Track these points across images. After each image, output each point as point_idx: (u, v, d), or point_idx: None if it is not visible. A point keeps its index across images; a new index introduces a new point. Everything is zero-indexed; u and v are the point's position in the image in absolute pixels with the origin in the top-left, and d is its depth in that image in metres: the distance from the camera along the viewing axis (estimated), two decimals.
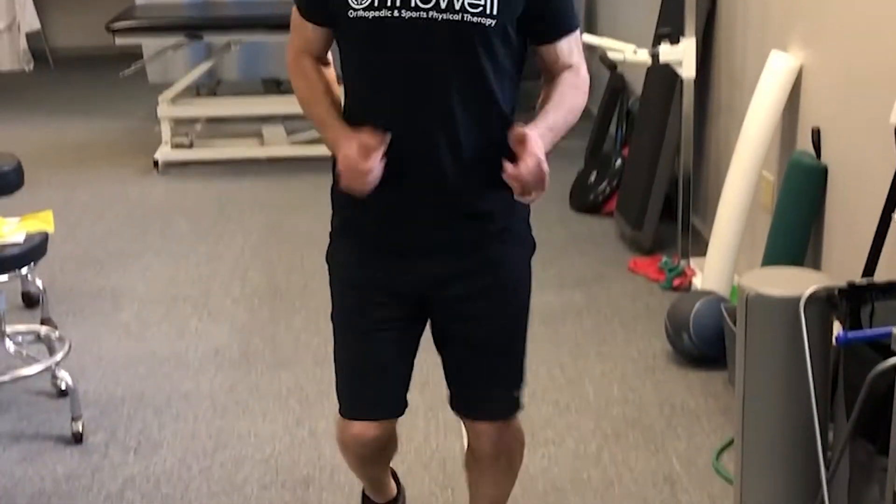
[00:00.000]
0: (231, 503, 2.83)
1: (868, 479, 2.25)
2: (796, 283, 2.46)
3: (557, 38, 2.07)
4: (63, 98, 7.61)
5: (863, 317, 2.32)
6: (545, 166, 1.90)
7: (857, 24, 2.97)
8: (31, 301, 4.06)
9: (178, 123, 6.06)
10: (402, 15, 1.94)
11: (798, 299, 2.38)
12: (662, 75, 4.27)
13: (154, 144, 5.97)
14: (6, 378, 3.26)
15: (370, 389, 2.20)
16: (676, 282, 4.05)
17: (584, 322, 3.79)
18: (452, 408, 2.28)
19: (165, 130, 5.83)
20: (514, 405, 2.26)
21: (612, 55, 3.90)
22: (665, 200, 4.40)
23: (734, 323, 2.85)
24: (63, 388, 3.35)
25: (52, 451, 3.10)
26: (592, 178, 5.02)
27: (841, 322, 2.37)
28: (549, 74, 2.11)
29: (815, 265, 3.26)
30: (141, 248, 4.66)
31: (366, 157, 1.93)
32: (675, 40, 3.89)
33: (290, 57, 2.15)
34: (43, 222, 3.42)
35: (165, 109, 5.81)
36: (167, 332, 3.83)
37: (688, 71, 3.91)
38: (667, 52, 3.88)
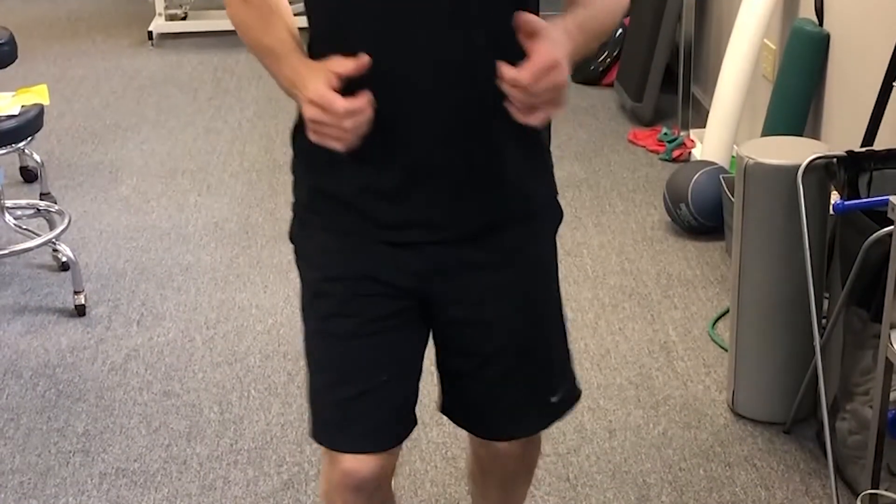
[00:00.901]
0: (233, 373, 2.88)
1: (861, 346, 2.28)
2: (795, 152, 2.46)
3: None
4: None
5: (860, 186, 2.32)
6: (562, 72, 1.40)
7: None
8: (29, 175, 4.05)
9: None
10: None
11: (796, 168, 2.38)
12: None
13: (148, 16, 5.88)
14: (6, 251, 3.28)
15: (364, 410, 1.61)
16: (676, 153, 4.04)
17: (582, 194, 3.79)
18: (453, 419, 1.77)
19: (159, 2, 5.73)
20: (551, 413, 1.76)
21: None
22: (665, 71, 4.36)
23: (732, 193, 2.86)
24: (64, 261, 3.37)
25: (55, 324, 3.14)
26: None
27: (839, 191, 2.37)
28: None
29: (815, 134, 3.25)
30: (138, 121, 4.64)
31: (347, 103, 1.42)
32: None
33: None
34: (38, 95, 3.39)
35: None
36: (167, 206, 3.84)
37: None
38: None
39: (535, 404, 1.72)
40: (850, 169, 2.31)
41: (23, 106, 3.29)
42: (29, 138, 3.31)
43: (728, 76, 3.55)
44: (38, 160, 3.87)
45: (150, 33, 5.70)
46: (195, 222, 3.71)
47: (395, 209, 1.57)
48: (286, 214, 3.88)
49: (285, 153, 4.30)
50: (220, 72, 5.23)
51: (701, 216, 3.40)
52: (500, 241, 1.62)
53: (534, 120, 1.44)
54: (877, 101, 2.66)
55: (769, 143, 2.79)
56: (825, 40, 3.13)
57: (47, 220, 3.51)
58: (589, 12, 1.53)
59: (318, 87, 1.43)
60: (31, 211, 3.59)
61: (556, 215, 1.73)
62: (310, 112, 1.45)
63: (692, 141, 4.05)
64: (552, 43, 1.41)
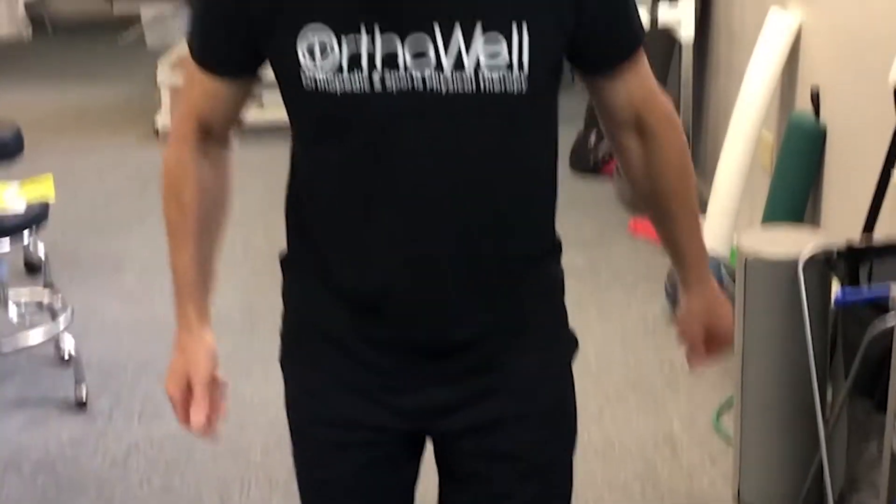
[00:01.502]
0: (235, 467, 2.86)
1: (866, 437, 2.26)
2: (795, 242, 2.47)
3: (623, 61, 1.37)
4: (62, 65, 7.58)
5: (861, 276, 2.33)
6: (730, 333, 1.56)
7: None
8: (33, 267, 4.07)
9: (178, 89, 6.05)
10: (388, 87, 1.25)
11: (796, 259, 2.39)
12: (661, 34, 4.25)
13: (154, 110, 5.97)
14: (9, 345, 3.28)
15: None
16: None
17: (584, 284, 3.80)
18: None
19: (165, 96, 5.81)
20: None
21: None
22: None
23: (734, 283, 2.86)
24: (66, 353, 3.37)
25: (56, 417, 3.12)
26: (593, 139, 5.01)
27: (840, 282, 2.37)
28: (617, 120, 1.43)
29: (815, 224, 3.27)
30: (142, 213, 4.67)
31: (182, 406, 1.42)
32: (672, 1, 3.87)
33: (172, 138, 1.46)
34: (43, 188, 3.43)
35: (165, 75, 5.79)
36: (170, 297, 3.84)
37: (686, 31, 3.90)
38: (666, 12, 3.87)
39: None
40: (850, 260, 2.32)
41: (28, 199, 3.32)
42: (33, 231, 3.34)
43: (726, 167, 3.59)
44: (42, 252, 3.89)
45: (156, 128, 5.77)
46: None
47: (387, 351, 1.40)
48: None
49: None
50: None
51: None
52: (511, 370, 1.43)
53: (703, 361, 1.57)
54: (875, 191, 2.68)
55: (769, 233, 2.80)
56: (822, 132, 3.17)
57: (50, 312, 3.52)
58: (682, 219, 1.52)
59: (175, 381, 1.44)
60: (35, 303, 3.60)
61: (571, 339, 1.57)
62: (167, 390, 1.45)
63: None
64: (712, 306, 1.54)
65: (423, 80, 1.24)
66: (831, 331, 2.48)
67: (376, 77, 1.24)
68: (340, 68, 1.25)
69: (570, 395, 1.52)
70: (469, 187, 1.31)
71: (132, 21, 6.64)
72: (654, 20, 3.88)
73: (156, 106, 5.93)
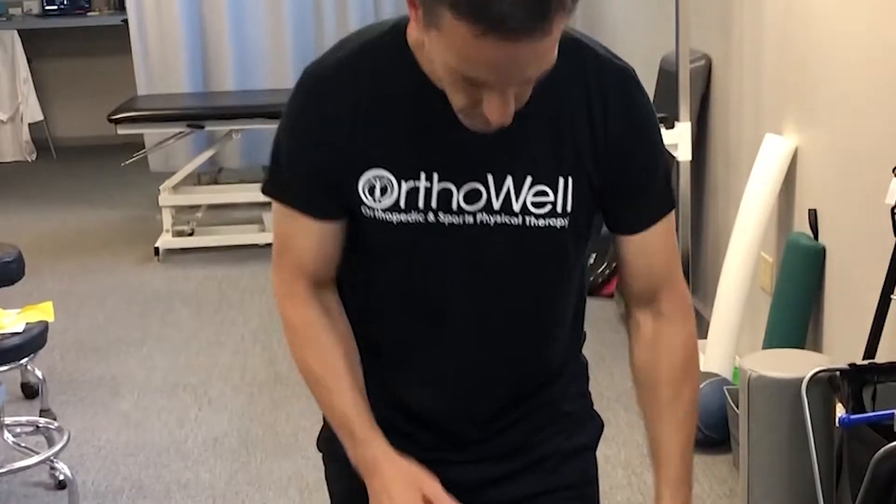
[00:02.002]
0: None
1: None
2: (797, 364, 2.46)
3: (648, 225, 1.45)
4: (65, 188, 7.66)
5: (865, 398, 2.31)
6: None
7: (849, 107, 3.01)
8: (30, 391, 4.04)
9: (180, 211, 6.10)
10: (441, 220, 1.35)
11: (800, 381, 2.38)
12: None
13: (155, 232, 6.00)
14: (4, 470, 3.23)
15: None
16: None
17: None
18: None
19: (167, 218, 5.86)
20: None
21: None
22: None
23: (737, 405, 2.84)
24: (62, 479, 3.31)
25: None
26: (591, 260, 5.04)
27: (843, 404, 2.35)
28: (634, 291, 1.51)
29: (816, 346, 3.26)
30: (141, 335, 4.66)
31: None
32: (670, 125, 3.93)
33: (281, 293, 1.50)
34: (43, 313, 3.42)
35: (167, 198, 5.85)
36: (167, 421, 3.81)
37: (683, 154, 3.95)
38: (663, 135, 3.92)
39: None
40: (854, 382, 2.30)
41: (27, 323, 3.31)
42: (32, 355, 3.32)
43: (726, 289, 3.59)
44: (40, 376, 3.87)
45: (156, 249, 5.80)
46: (195, 437, 3.67)
47: (434, 434, 1.50)
48: (286, 429, 3.85)
49: (287, 366, 4.32)
50: (225, 285, 5.30)
51: (706, 429, 3.37)
52: (543, 452, 1.53)
53: None
54: (876, 314, 2.68)
55: (771, 355, 2.80)
56: (821, 253, 3.18)
57: (46, 437, 3.48)
58: (685, 459, 1.51)
59: (402, 498, 1.35)
60: (31, 428, 3.56)
61: (596, 420, 1.66)
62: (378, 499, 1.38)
63: None
64: None
65: (474, 216, 1.37)
66: (836, 452, 2.45)
67: (431, 216, 1.36)
68: (396, 207, 1.36)
69: (595, 471, 1.62)
70: (514, 312, 1.43)
71: (136, 144, 6.73)
72: None
73: (157, 228, 5.97)
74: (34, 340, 3.29)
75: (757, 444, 2.46)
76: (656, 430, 1.51)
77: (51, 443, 3.39)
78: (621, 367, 4.09)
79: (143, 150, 6.44)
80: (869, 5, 2.85)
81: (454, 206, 1.35)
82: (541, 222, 1.37)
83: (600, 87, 1.38)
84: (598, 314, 4.70)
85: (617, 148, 1.38)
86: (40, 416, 3.73)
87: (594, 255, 5.02)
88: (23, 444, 3.34)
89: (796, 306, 3.24)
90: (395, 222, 1.36)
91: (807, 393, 2.35)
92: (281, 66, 6.64)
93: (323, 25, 6.59)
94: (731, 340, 3.61)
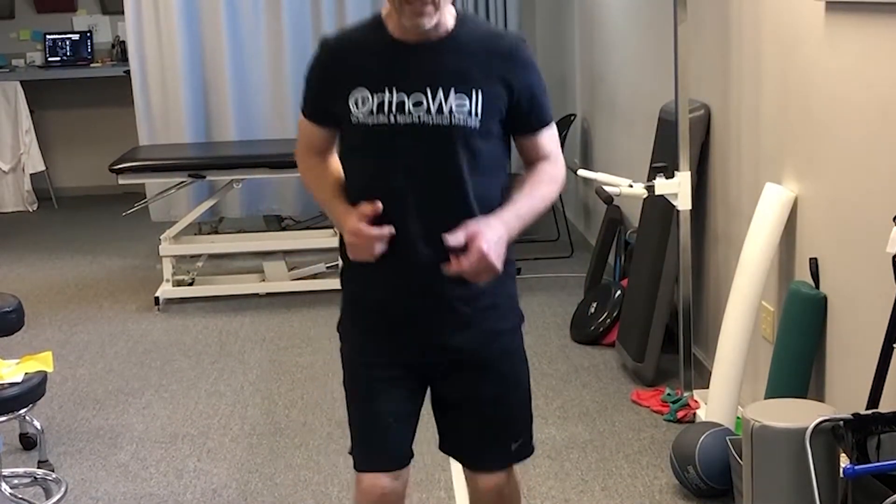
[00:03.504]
0: None
1: None
2: (801, 414, 2.44)
3: (536, 132, 2.32)
4: (66, 237, 7.67)
5: (869, 448, 2.29)
6: (490, 258, 2.14)
7: (849, 155, 3.02)
8: (28, 442, 4.01)
9: (180, 260, 6.10)
10: (398, 121, 2.21)
11: (804, 431, 2.36)
12: (658, 207, 4.31)
13: (155, 282, 6.00)
14: None
15: (376, 444, 2.38)
16: (680, 414, 4.02)
17: (588, 456, 3.74)
18: (449, 455, 2.52)
19: (167, 268, 5.86)
20: (513, 456, 2.45)
21: (608, 189, 3.95)
22: (666, 331, 4.40)
23: (740, 456, 2.82)
24: None
25: None
26: (592, 309, 5.03)
27: (847, 454, 2.34)
28: (529, 163, 2.36)
29: (819, 395, 3.24)
30: (140, 386, 4.64)
31: (370, 231, 2.20)
32: (669, 174, 3.94)
33: (298, 155, 2.44)
34: (42, 363, 3.41)
35: (167, 248, 5.86)
36: (165, 472, 3.78)
37: (683, 203, 3.96)
38: (662, 185, 3.93)
39: (499, 447, 2.42)
40: (858, 432, 2.29)
41: (26, 373, 3.30)
42: (30, 405, 3.31)
43: (728, 338, 3.58)
44: (38, 427, 3.85)
45: (156, 298, 5.80)
46: (193, 489, 3.64)
47: (399, 309, 2.31)
48: (285, 480, 3.82)
49: (287, 416, 4.30)
50: (225, 335, 5.29)
51: (710, 479, 3.34)
52: (477, 331, 2.33)
53: (479, 281, 2.19)
54: (878, 363, 2.67)
55: (774, 405, 2.78)
56: (822, 302, 3.17)
57: (44, 488, 3.45)
58: (527, 203, 2.26)
59: (353, 223, 2.22)
60: (28, 479, 3.54)
61: (518, 311, 2.46)
62: (349, 239, 2.23)
63: (696, 402, 4.03)
64: (482, 241, 2.13)
65: (419, 117, 2.20)
66: (841, 502, 2.43)
67: (393, 116, 2.21)
68: (372, 111, 2.22)
69: (520, 344, 2.46)
70: (446, 181, 2.24)
71: (137, 194, 6.76)
72: (650, 190, 3.94)
73: (157, 277, 5.97)
74: (33, 391, 3.28)
75: (761, 495, 2.44)
76: (517, 195, 2.28)
77: (49, 494, 3.37)
78: (624, 415, 4.08)
79: (144, 200, 6.46)
80: (867, 57, 2.87)
81: (406, 110, 2.20)
82: (460, 122, 2.19)
83: (505, 42, 2.28)
84: (599, 362, 4.68)
85: (517, 79, 2.25)
86: (38, 468, 3.71)
87: (594, 305, 5.01)
88: (20, 496, 3.32)
89: (798, 355, 3.23)
90: (370, 123, 2.22)
91: (811, 443, 2.34)
92: (281, 116, 6.68)
93: None
94: (733, 390, 3.59)
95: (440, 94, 2.19)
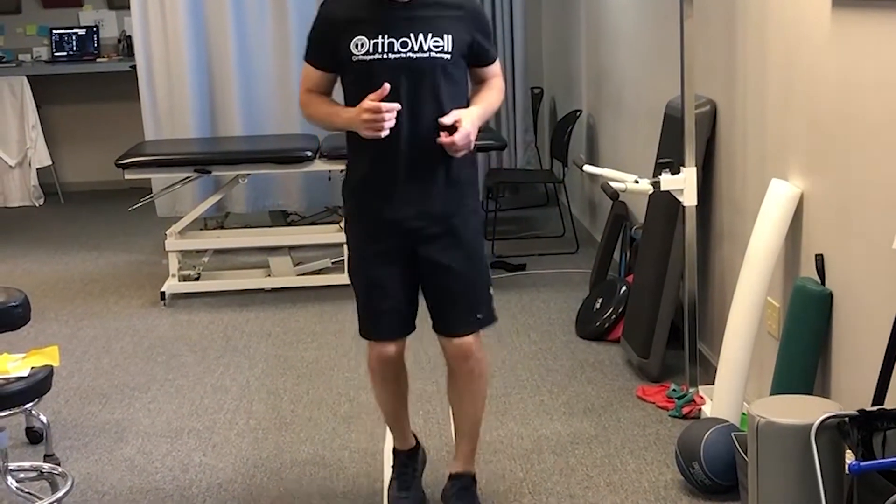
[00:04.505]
0: None
1: None
2: (806, 410, 2.44)
3: (487, 64, 3.20)
4: (72, 232, 7.69)
5: (875, 445, 2.29)
6: (472, 137, 3.03)
7: (855, 152, 3.02)
8: (34, 436, 4.02)
9: (186, 255, 6.11)
10: (390, 57, 3.01)
11: (808, 427, 2.36)
12: (664, 203, 4.31)
13: (161, 277, 6.01)
14: None
15: (382, 315, 3.17)
16: (686, 409, 4.02)
17: (593, 452, 3.74)
18: (436, 331, 3.20)
19: (173, 263, 5.86)
20: (478, 324, 3.19)
21: (613, 185, 3.94)
22: (671, 327, 4.40)
23: (745, 452, 2.82)
24: None
25: None
26: (598, 305, 5.03)
27: (853, 451, 2.34)
28: (479, 82, 3.22)
29: (824, 391, 3.24)
30: (146, 380, 4.65)
31: (379, 105, 2.91)
32: (675, 170, 3.94)
33: (301, 98, 3.17)
34: (48, 357, 3.42)
35: (173, 243, 5.86)
36: (171, 467, 3.79)
37: (689, 199, 3.95)
38: (668, 181, 3.93)
39: (468, 314, 3.17)
40: (864, 428, 2.28)
41: (32, 367, 3.30)
42: (36, 400, 3.31)
43: (733, 334, 3.58)
44: (45, 421, 3.85)
45: (162, 293, 5.80)
46: (199, 483, 3.65)
47: (391, 206, 3.09)
48: (291, 474, 3.83)
49: (292, 411, 4.31)
50: (231, 330, 5.29)
51: (715, 475, 3.34)
52: (450, 223, 3.12)
53: (458, 155, 3.04)
54: (884, 360, 2.67)
55: (779, 401, 2.78)
56: (828, 299, 3.17)
57: (50, 482, 3.46)
58: (487, 103, 3.15)
59: (369, 102, 2.93)
60: (35, 473, 3.54)
61: (480, 212, 3.30)
62: (365, 116, 2.94)
63: (702, 398, 4.03)
64: (467, 123, 3.00)
65: (408, 54, 3.00)
66: (846, 499, 2.43)
67: (386, 54, 3.00)
68: (369, 51, 3.00)
69: (480, 223, 3.27)
70: (427, 98, 3.03)
71: (143, 189, 6.76)
72: (656, 185, 3.93)
73: (164, 272, 5.98)
74: (39, 385, 3.28)
75: (766, 492, 2.44)
76: (477, 99, 3.16)
77: (55, 488, 3.38)
78: (629, 411, 4.08)
79: (150, 195, 6.47)
80: (874, 52, 2.87)
81: (395, 49, 2.99)
82: (437, 56, 3.02)
83: (465, 1, 3.13)
84: (605, 358, 4.68)
85: (473, 25, 3.11)
86: (45, 462, 3.72)
87: (599, 301, 5.01)
88: (26, 490, 3.32)
89: (804, 352, 3.23)
90: (368, 60, 3.00)
91: (816, 439, 2.34)
92: (287, 111, 6.68)
93: None
94: (738, 386, 3.59)
95: (421, 37, 3.01)
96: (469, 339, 3.14)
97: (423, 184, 3.06)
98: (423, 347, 4.48)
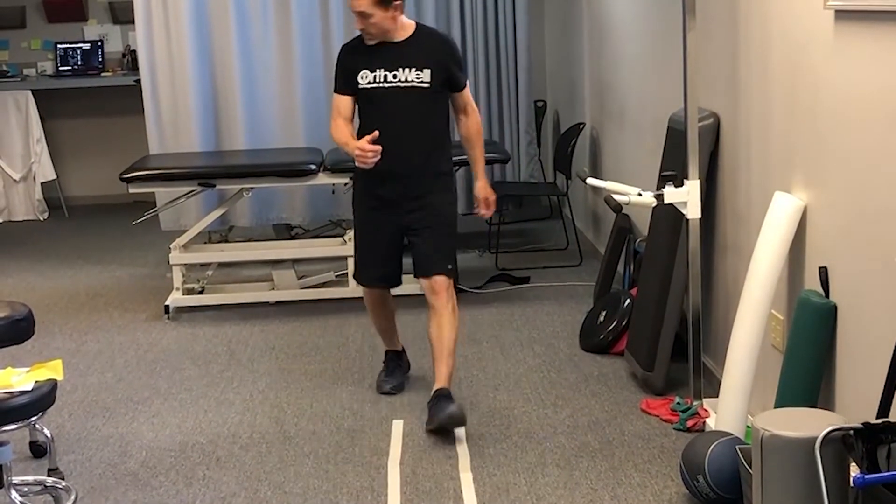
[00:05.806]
0: None
1: None
2: (811, 423, 2.44)
3: (459, 90, 4.26)
4: (76, 246, 7.70)
5: (880, 458, 2.29)
6: (491, 196, 4.37)
7: (858, 164, 3.02)
8: (38, 450, 4.02)
9: (190, 269, 6.11)
10: (384, 85, 4.16)
11: (813, 440, 2.36)
12: (668, 215, 4.31)
13: (165, 290, 6.01)
14: None
15: (374, 268, 4.39)
16: (690, 422, 4.01)
17: (598, 465, 3.73)
18: (417, 276, 4.26)
19: (177, 277, 5.87)
20: (448, 272, 4.22)
21: (617, 198, 3.95)
22: (675, 340, 4.39)
23: (750, 465, 2.81)
24: None
25: None
26: (602, 318, 5.02)
27: (857, 463, 2.33)
28: (457, 108, 4.30)
29: (829, 404, 3.23)
30: (150, 394, 4.65)
31: (370, 147, 4.04)
32: (679, 183, 3.94)
33: (332, 122, 4.25)
34: (52, 371, 3.42)
35: (177, 256, 5.87)
36: (175, 481, 3.78)
37: (693, 212, 3.95)
38: (671, 194, 3.93)
39: (441, 259, 4.23)
40: (868, 441, 2.28)
41: (36, 381, 3.31)
42: (40, 413, 3.31)
43: (738, 347, 3.58)
44: (48, 435, 3.85)
45: (166, 307, 5.81)
46: (203, 497, 3.64)
47: (386, 189, 4.22)
48: (294, 488, 3.82)
49: (296, 424, 4.31)
50: (234, 344, 5.29)
51: (720, 488, 3.33)
52: (428, 200, 4.24)
53: (488, 214, 4.42)
54: (889, 372, 2.66)
55: (784, 414, 2.78)
56: (832, 311, 3.17)
57: (54, 496, 3.45)
58: (480, 161, 4.35)
59: (360, 142, 4.07)
60: (39, 487, 3.54)
61: (454, 191, 4.42)
62: (357, 153, 4.05)
63: (706, 411, 4.02)
64: (483, 190, 4.36)
65: (398, 84, 4.17)
66: None
67: (381, 84, 4.18)
68: (370, 82, 4.18)
69: (452, 201, 4.40)
70: (414, 125, 4.21)
71: (147, 203, 6.77)
72: (659, 198, 3.94)
73: (168, 286, 5.98)
74: (43, 399, 3.28)
75: (770, 501, 2.43)
76: (471, 154, 4.37)
77: (58, 502, 3.37)
78: (633, 424, 4.07)
79: (154, 209, 6.48)
80: (876, 65, 2.87)
81: (388, 79, 4.14)
82: (418, 85, 4.14)
83: (440, 41, 4.31)
84: (609, 371, 4.68)
85: (447, 62, 4.22)
86: (48, 476, 3.71)
87: (603, 314, 5.01)
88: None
89: (808, 364, 3.23)
90: (370, 87, 4.18)
91: (820, 452, 2.33)
92: (291, 125, 6.69)
93: (332, 86, 6.64)
94: (742, 399, 3.58)
95: (407, 70, 4.13)
96: (443, 278, 4.18)
97: (409, 173, 4.19)
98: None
